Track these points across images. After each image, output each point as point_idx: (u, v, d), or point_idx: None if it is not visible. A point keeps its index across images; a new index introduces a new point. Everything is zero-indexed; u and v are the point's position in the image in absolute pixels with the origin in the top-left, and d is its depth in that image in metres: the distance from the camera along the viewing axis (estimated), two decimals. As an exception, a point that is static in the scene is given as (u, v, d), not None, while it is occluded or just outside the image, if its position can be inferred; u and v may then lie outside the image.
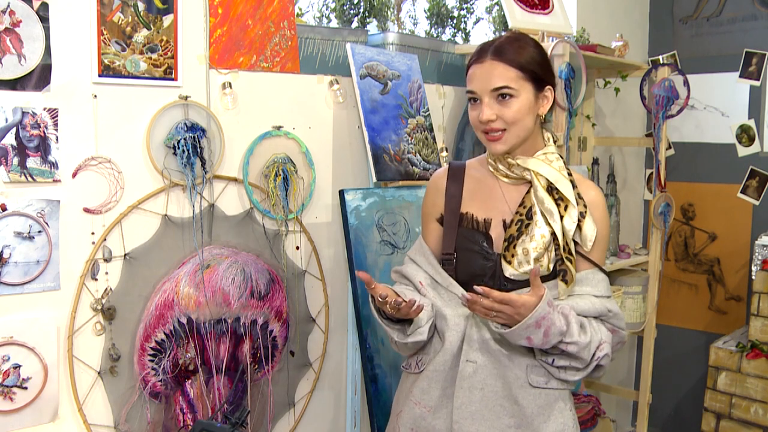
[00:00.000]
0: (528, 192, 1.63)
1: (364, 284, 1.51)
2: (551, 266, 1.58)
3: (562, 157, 1.67)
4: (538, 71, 1.60)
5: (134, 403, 1.93)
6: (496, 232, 1.63)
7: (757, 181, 3.56)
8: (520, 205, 1.62)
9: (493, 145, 1.61)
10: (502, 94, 1.57)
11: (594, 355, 1.55)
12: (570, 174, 1.64)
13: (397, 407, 1.73)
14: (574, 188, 1.61)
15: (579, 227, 1.59)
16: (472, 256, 1.62)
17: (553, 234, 1.57)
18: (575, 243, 1.61)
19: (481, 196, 1.68)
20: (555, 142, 1.69)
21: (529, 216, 1.59)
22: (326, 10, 2.83)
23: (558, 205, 1.59)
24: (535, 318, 1.45)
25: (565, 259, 1.57)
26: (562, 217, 1.58)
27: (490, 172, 1.69)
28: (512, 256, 1.58)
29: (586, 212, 1.59)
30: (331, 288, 2.38)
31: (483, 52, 1.60)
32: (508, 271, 1.58)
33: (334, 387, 2.44)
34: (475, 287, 1.46)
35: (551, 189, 1.60)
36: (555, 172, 1.61)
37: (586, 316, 1.58)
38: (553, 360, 1.56)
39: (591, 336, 1.54)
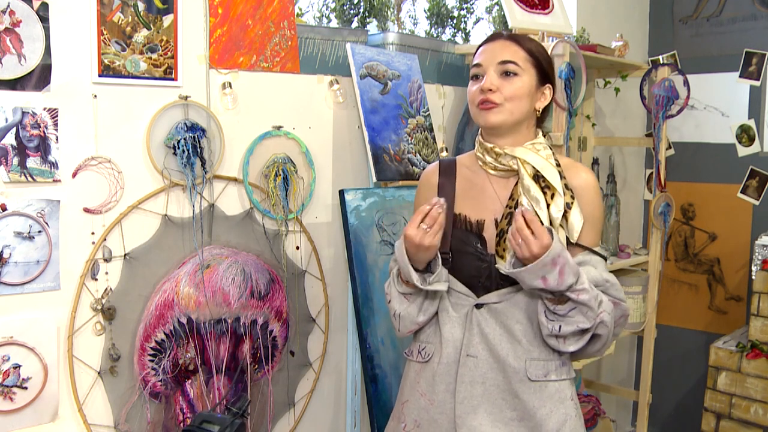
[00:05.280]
0: (517, 185, 1.63)
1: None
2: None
3: (550, 148, 1.67)
4: (544, 64, 1.66)
5: (134, 403, 1.93)
6: (489, 233, 1.63)
7: (757, 181, 3.56)
8: (509, 199, 1.63)
9: (485, 114, 1.62)
10: (507, 71, 1.61)
11: (592, 325, 1.53)
12: (558, 164, 1.64)
13: (403, 396, 1.74)
14: (561, 178, 1.62)
15: (565, 217, 1.59)
16: (467, 258, 1.62)
17: (541, 223, 1.57)
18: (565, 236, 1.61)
19: (473, 195, 1.68)
20: (545, 136, 1.70)
21: (518, 208, 1.59)
22: (326, 10, 2.83)
23: (544, 193, 1.59)
24: (552, 255, 1.45)
25: None
26: (548, 206, 1.58)
27: (480, 167, 1.70)
28: (504, 250, 1.58)
29: (572, 203, 1.59)
30: (331, 288, 2.38)
31: (497, 35, 1.68)
32: (503, 267, 1.58)
33: (334, 387, 2.44)
34: (517, 209, 1.49)
35: (537, 177, 1.61)
36: (541, 160, 1.62)
37: None
38: (560, 327, 1.53)
39: (597, 292, 1.54)
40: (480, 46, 1.68)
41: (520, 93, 1.61)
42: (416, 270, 1.60)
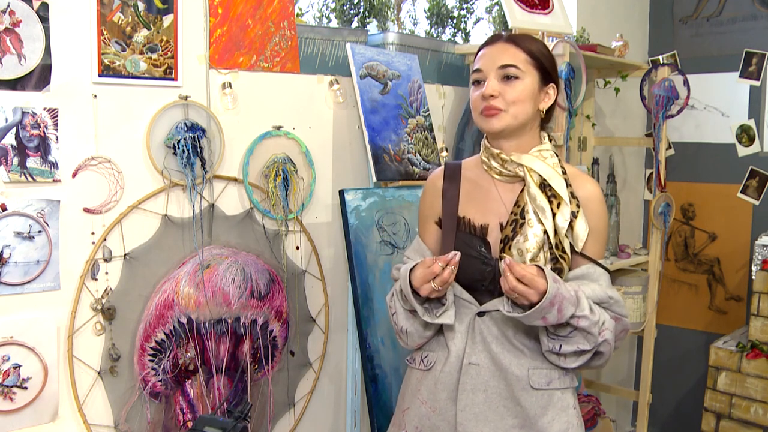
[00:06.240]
0: (522, 191, 1.63)
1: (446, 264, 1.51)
2: (548, 266, 1.58)
3: (557, 154, 1.66)
4: (546, 64, 1.63)
5: (134, 403, 1.93)
6: (494, 237, 1.62)
7: (757, 181, 3.56)
8: (514, 205, 1.62)
9: (489, 121, 1.60)
10: (507, 75, 1.59)
11: (599, 335, 1.54)
12: (564, 172, 1.63)
13: (404, 403, 1.73)
14: (567, 186, 1.61)
15: (571, 226, 1.58)
16: (471, 262, 1.61)
17: (546, 232, 1.57)
18: (569, 243, 1.60)
19: (477, 199, 1.67)
20: (551, 141, 1.69)
21: (523, 215, 1.59)
22: (326, 10, 2.83)
23: (550, 203, 1.58)
24: (549, 298, 1.45)
25: (558, 258, 1.57)
26: (554, 215, 1.57)
27: (485, 171, 1.69)
28: (509, 256, 1.58)
29: (578, 212, 1.59)
30: (331, 288, 2.38)
31: (496, 37, 1.65)
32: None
33: (334, 387, 2.44)
34: (502, 262, 1.48)
35: (544, 186, 1.60)
36: (548, 169, 1.61)
37: None
38: (561, 346, 1.54)
39: (598, 315, 1.54)
40: (479, 49, 1.66)
41: (523, 97, 1.59)
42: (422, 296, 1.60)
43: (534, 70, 1.61)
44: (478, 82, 1.63)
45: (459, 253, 1.53)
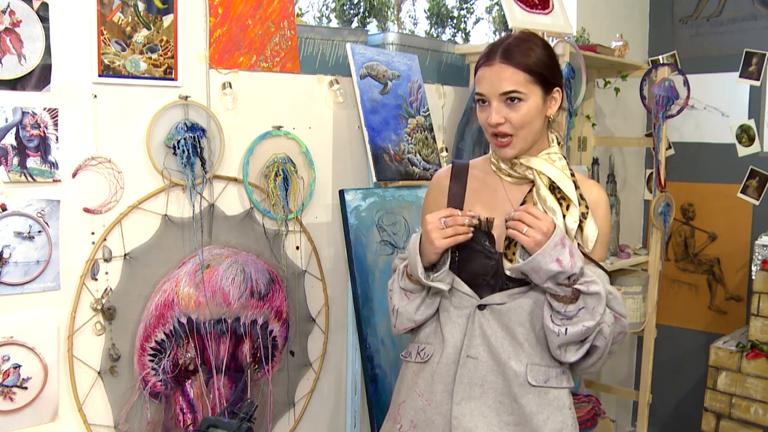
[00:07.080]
0: (530, 191, 1.63)
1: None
2: None
3: (565, 158, 1.67)
4: (547, 74, 1.60)
5: (134, 403, 1.93)
6: (498, 232, 1.63)
7: (757, 181, 3.56)
8: (521, 204, 1.62)
9: (502, 151, 1.62)
10: (510, 98, 1.57)
11: (597, 323, 1.53)
12: (573, 174, 1.64)
13: (399, 397, 1.73)
14: (576, 189, 1.61)
15: (580, 228, 1.59)
16: (474, 255, 1.62)
17: None
18: (577, 244, 1.61)
19: (484, 196, 1.68)
20: (559, 143, 1.69)
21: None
22: (326, 10, 2.83)
23: (560, 204, 1.59)
24: (559, 234, 1.48)
25: None
26: (564, 216, 1.58)
27: (494, 171, 1.70)
28: (513, 254, 1.58)
29: (588, 213, 1.60)
30: (331, 288, 2.38)
31: (492, 53, 1.60)
32: (514, 266, 1.58)
33: (334, 387, 2.44)
34: (507, 215, 1.54)
35: (553, 188, 1.61)
36: (558, 172, 1.62)
37: None
38: (567, 330, 1.52)
39: (601, 286, 1.54)
40: (478, 64, 1.63)
41: (529, 118, 1.58)
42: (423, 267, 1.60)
43: (536, 87, 1.58)
44: (482, 101, 1.62)
45: (476, 218, 1.57)
